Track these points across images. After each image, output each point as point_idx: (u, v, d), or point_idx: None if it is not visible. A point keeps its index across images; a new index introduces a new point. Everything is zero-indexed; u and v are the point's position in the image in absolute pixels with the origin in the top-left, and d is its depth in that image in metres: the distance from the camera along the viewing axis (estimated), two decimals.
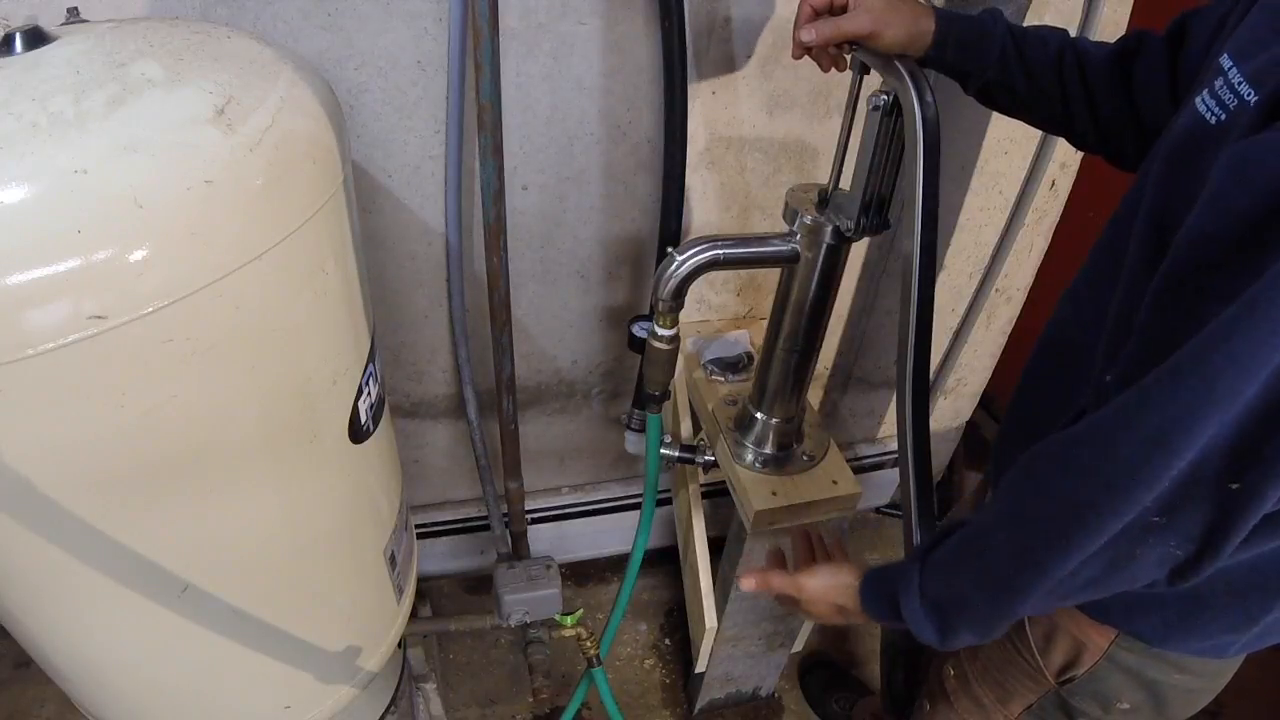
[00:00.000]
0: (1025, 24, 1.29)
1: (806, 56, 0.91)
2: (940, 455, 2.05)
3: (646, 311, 1.47)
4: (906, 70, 0.84)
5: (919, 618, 0.71)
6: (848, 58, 0.92)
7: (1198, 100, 0.63)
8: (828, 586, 0.84)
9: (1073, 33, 1.33)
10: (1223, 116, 0.60)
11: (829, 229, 1.00)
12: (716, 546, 1.45)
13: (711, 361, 1.43)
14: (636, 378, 1.50)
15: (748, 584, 0.90)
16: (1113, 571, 0.59)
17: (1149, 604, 0.75)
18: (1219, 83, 0.61)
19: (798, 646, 1.62)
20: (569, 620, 1.42)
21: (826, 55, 0.90)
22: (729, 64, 1.24)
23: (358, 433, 0.90)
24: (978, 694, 0.96)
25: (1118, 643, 0.79)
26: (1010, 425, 0.92)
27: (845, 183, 1.00)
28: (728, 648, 1.51)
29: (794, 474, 1.25)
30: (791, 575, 0.87)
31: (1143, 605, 0.75)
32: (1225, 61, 0.62)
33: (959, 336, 1.78)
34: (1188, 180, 0.61)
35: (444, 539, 1.76)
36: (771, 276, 1.25)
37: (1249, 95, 0.57)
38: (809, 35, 0.87)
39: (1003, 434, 0.93)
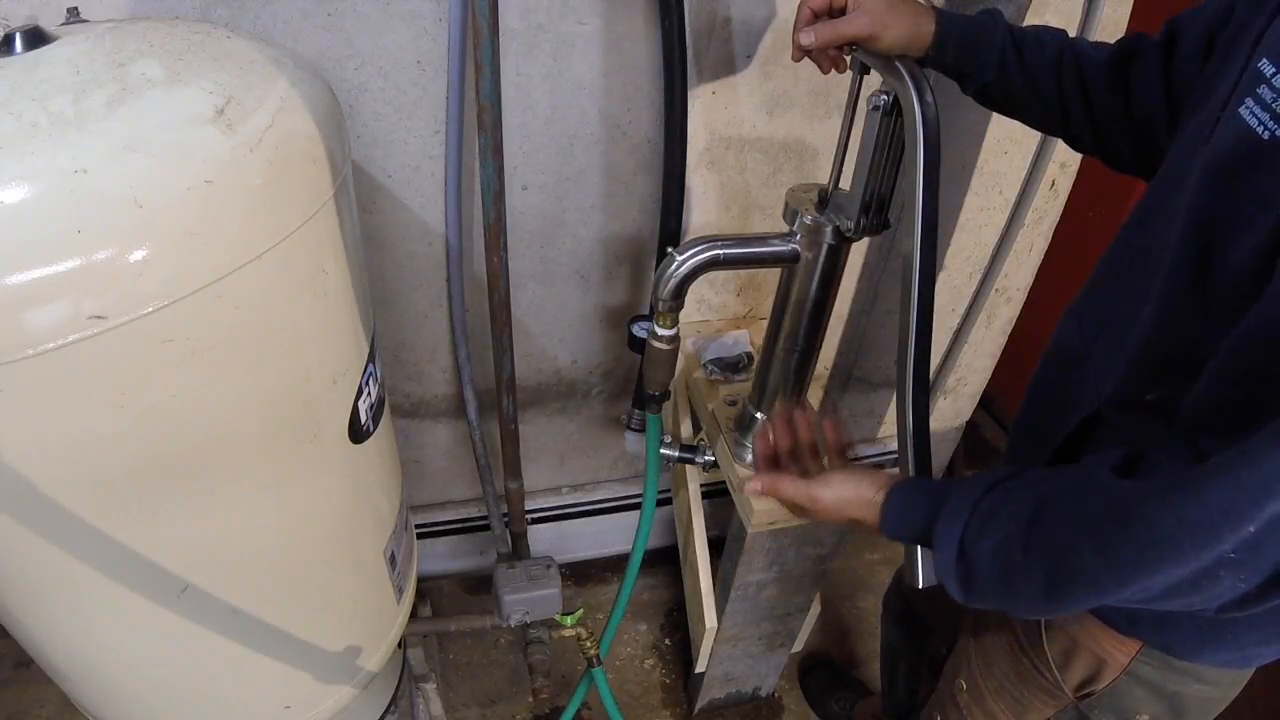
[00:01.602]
0: (1025, 24, 1.30)
1: (806, 58, 0.91)
2: (940, 455, 2.05)
3: (646, 311, 1.47)
4: (906, 70, 0.84)
5: (950, 571, 0.67)
6: (847, 59, 0.92)
7: (1242, 110, 0.60)
8: (845, 499, 0.79)
9: (1072, 33, 1.34)
10: (1278, 131, 0.57)
11: (829, 229, 1.00)
12: (716, 546, 1.45)
13: (711, 361, 1.43)
14: (636, 378, 1.50)
15: (754, 487, 0.87)
16: (1172, 596, 0.57)
17: (1182, 617, 0.73)
18: (1265, 91, 0.59)
19: (798, 646, 1.62)
20: (569, 620, 1.42)
21: (826, 57, 0.90)
22: (729, 64, 1.24)
23: (358, 433, 0.90)
24: (992, 709, 0.95)
25: (1139, 657, 0.78)
26: (1018, 438, 0.91)
27: (845, 183, 1.00)
28: (728, 648, 1.51)
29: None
30: (805, 483, 0.83)
31: (1174, 618, 0.74)
32: (1267, 68, 0.59)
33: (959, 336, 1.78)
34: (1237, 198, 0.60)
35: (444, 539, 1.76)
36: (771, 276, 1.25)
37: None
38: (808, 38, 0.86)
39: (1011, 448, 0.93)
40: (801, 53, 0.89)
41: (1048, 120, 0.91)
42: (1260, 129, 0.59)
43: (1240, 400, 0.57)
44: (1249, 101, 0.60)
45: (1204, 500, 0.52)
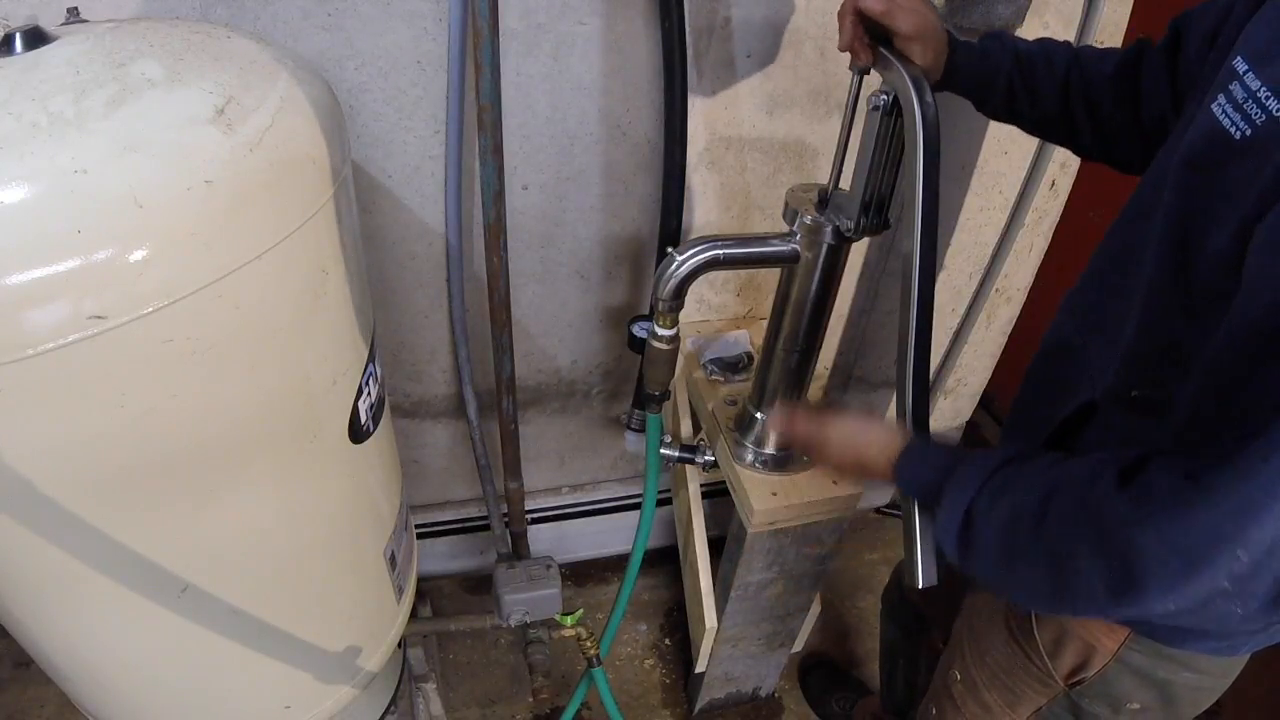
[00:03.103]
0: (1026, 21, 1.30)
1: (834, 51, 0.91)
2: None
3: (646, 311, 1.47)
4: (906, 71, 0.85)
5: (950, 533, 0.67)
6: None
7: (1214, 107, 0.61)
8: (856, 430, 0.81)
9: (1073, 32, 1.35)
10: (1248, 131, 0.58)
11: (829, 229, 1.00)
12: (716, 546, 1.45)
13: (711, 361, 1.43)
14: (636, 378, 1.50)
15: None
16: (1173, 619, 0.57)
17: None
18: (1236, 89, 0.59)
19: (798, 646, 1.62)
20: (569, 620, 1.42)
21: (864, 44, 0.89)
22: (729, 64, 1.24)
23: (358, 433, 0.90)
24: (985, 699, 0.96)
25: (1128, 644, 0.79)
26: (1012, 426, 0.92)
27: (845, 183, 1.00)
28: (728, 648, 1.51)
29: (794, 474, 1.25)
30: (819, 418, 0.85)
31: None
32: (1239, 65, 0.60)
33: (959, 336, 1.78)
34: (1212, 195, 0.60)
35: (444, 539, 1.76)
36: (771, 276, 1.25)
37: (1277, 109, 0.56)
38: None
39: (1006, 435, 0.93)
40: (849, 35, 0.87)
41: (1056, 133, 0.95)
42: (1231, 128, 0.59)
43: (1227, 402, 0.57)
44: (1221, 98, 0.61)
45: (1190, 529, 0.52)
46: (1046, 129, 0.94)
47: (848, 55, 0.92)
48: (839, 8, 0.88)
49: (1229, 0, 0.73)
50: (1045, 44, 0.91)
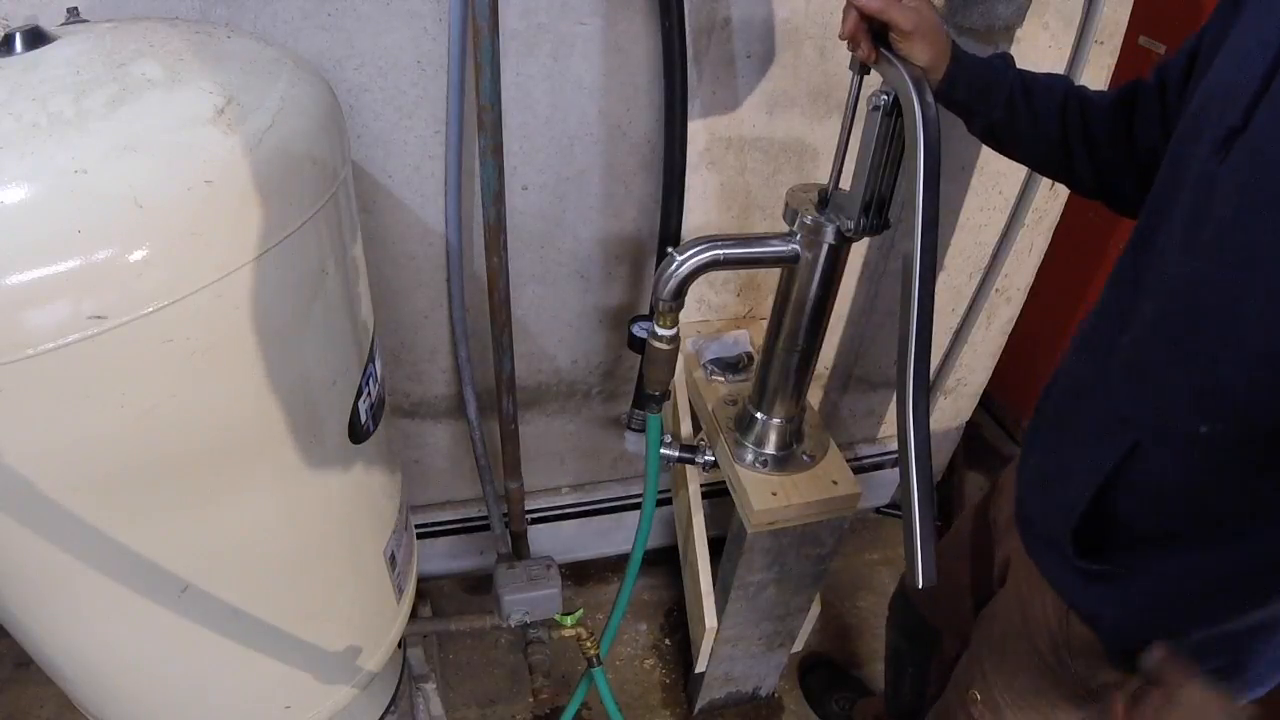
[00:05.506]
0: (1026, 21, 1.30)
1: (841, 46, 0.90)
2: (940, 455, 2.05)
3: (646, 311, 1.47)
4: (907, 71, 0.85)
5: None
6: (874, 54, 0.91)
7: None
8: None
9: (1073, 32, 1.35)
10: None
11: (829, 229, 1.00)
12: (716, 546, 1.45)
13: (711, 361, 1.43)
14: (636, 378, 1.50)
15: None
16: None
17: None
18: None
19: (798, 646, 1.62)
20: (569, 620, 1.42)
21: (867, 38, 0.88)
22: (729, 64, 1.24)
23: (358, 433, 0.90)
24: None
25: None
26: (1040, 481, 0.87)
27: (845, 183, 1.00)
28: (728, 648, 1.51)
29: (794, 474, 1.25)
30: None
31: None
32: None
33: (959, 336, 1.78)
34: None
35: (444, 539, 1.76)
36: (771, 276, 1.25)
37: None
38: None
39: (1032, 492, 0.89)
40: (852, 25, 0.86)
41: (1051, 163, 0.93)
42: None
43: None
44: None
45: None
46: (1042, 154, 0.92)
47: (848, 56, 0.92)
48: (843, 5, 0.88)
49: (1194, 41, 0.73)
50: (1044, 74, 0.91)
